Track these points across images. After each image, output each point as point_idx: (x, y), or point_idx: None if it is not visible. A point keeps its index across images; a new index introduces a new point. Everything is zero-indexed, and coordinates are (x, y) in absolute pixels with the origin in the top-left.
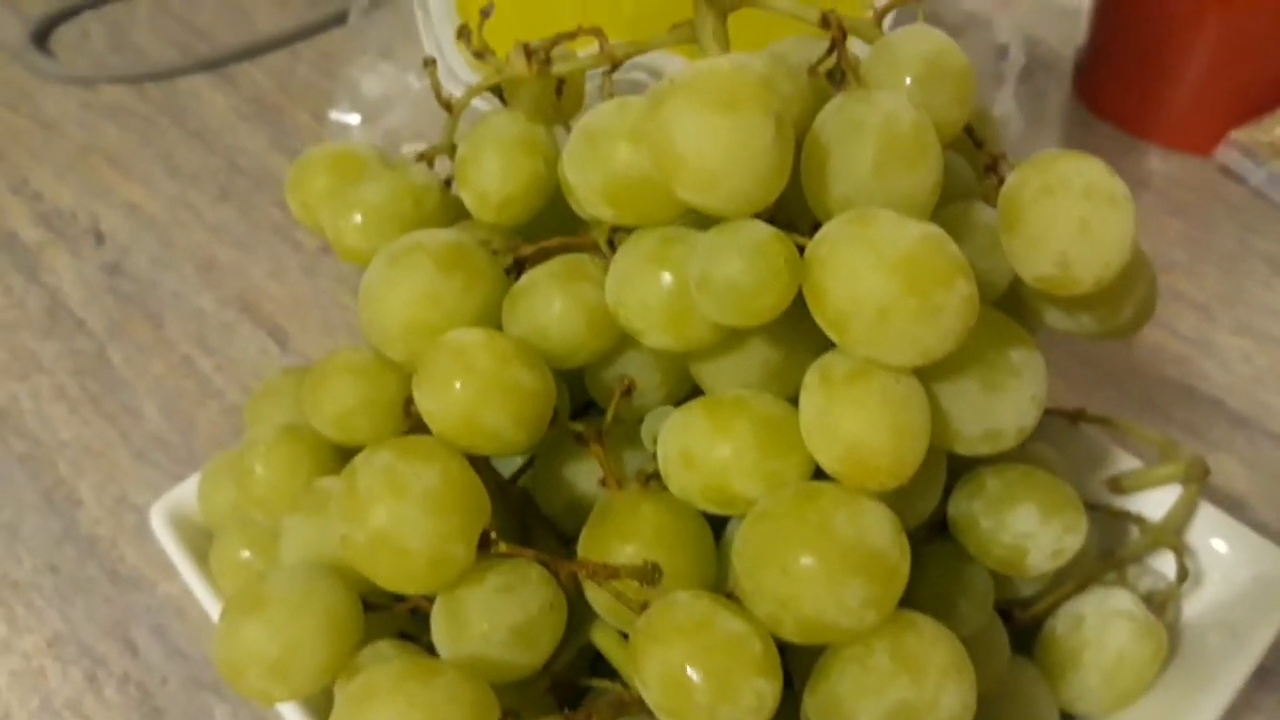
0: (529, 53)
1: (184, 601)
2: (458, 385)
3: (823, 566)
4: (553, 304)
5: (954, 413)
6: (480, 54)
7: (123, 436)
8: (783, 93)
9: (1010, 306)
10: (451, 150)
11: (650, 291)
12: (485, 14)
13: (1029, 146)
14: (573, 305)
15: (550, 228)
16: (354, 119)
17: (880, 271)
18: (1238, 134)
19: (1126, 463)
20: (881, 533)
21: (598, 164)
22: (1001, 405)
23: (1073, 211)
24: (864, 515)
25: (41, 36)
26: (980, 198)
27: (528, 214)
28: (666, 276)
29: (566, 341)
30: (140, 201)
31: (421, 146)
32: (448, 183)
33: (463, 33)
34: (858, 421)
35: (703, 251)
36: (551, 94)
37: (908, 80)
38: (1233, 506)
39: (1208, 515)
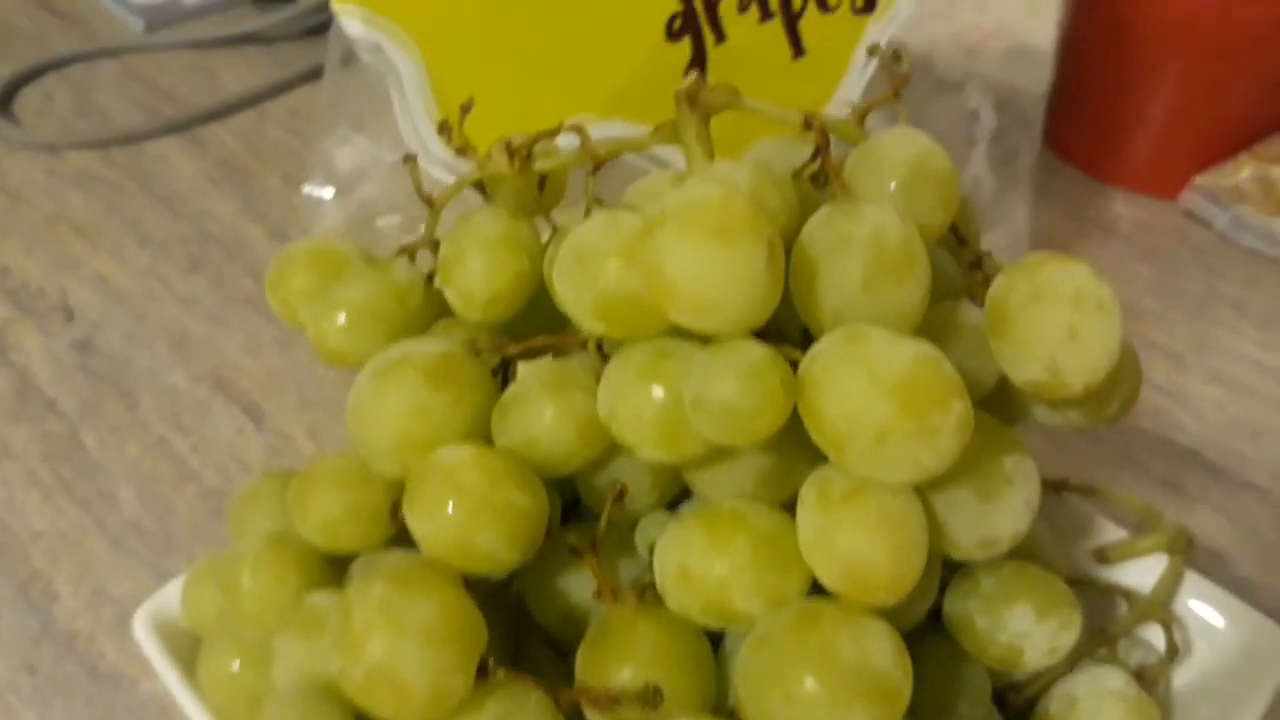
0: (511, 151)
1: (167, 700)
2: (449, 507)
3: (825, 691)
4: (544, 414)
5: (950, 522)
6: (462, 150)
7: (98, 525)
8: (770, 207)
9: (997, 402)
10: (434, 245)
11: (643, 407)
12: (466, 109)
13: (1001, 208)
14: (564, 415)
15: (535, 321)
16: (327, 193)
17: (876, 394)
18: (1202, 179)
19: (1111, 531)
20: (884, 654)
21: (588, 282)
22: (996, 513)
23: (1061, 318)
24: (865, 636)
25: (4, 101)
26: (965, 292)
27: (513, 311)
28: (660, 392)
29: (558, 451)
30: (110, 274)
31: (397, 220)
32: (430, 277)
33: (443, 129)
34: (857, 540)
35: (697, 372)
36: (533, 188)
37: (892, 185)
38: (1213, 561)
39: (1195, 585)
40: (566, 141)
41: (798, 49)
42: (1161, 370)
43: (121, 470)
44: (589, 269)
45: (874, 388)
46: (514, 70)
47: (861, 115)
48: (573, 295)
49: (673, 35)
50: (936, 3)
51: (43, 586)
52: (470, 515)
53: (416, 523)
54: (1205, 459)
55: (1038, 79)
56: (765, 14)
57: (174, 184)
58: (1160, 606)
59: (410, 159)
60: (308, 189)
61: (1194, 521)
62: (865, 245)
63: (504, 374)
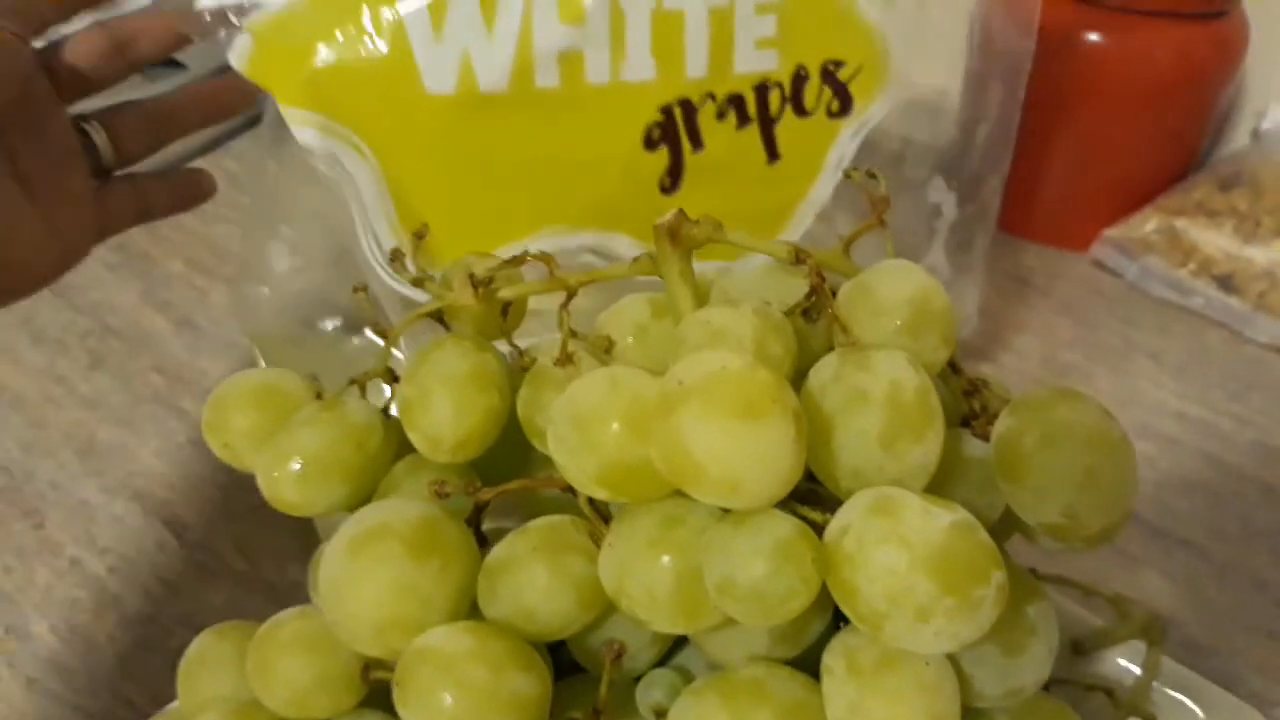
0: (475, 282)
1: None
2: (448, 700)
3: None
4: (538, 581)
5: (977, 677)
6: (418, 282)
7: (10, 666)
8: (774, 355)
9: (1002, 529)
10: (387, 374)
11: (657, 582)
12: (420, 236)
13: (954, 292)
14: (560, 582)
15: (501, 451)
16: (263, 292)
17: (917, 572)
18: (1111, 232)
19: (1080, 616)
20: None
21: (590, 450)
22: (1021, 665)
23: (1078, 463)
24: None
25: None
26: (958, 416)
27: (483, 450)
28: (673, 564)
29: (555, 621)
30: (3, 377)
31: (338, 322)
32: (385, 410)
33: (395, 258)
34: (893, 713)
35: (719, 551)
36: (497, 315)
37: (896, 324)
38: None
39: (1171, 673)
40: (532, 269)
41: (773, 153)
42: None
43: (33, 600)
44: (590, 436)
45: (914, 565)
46: (481, 182)
47: (847, 245)
48: (573, 462)
49: (650, 145)
50: None
51: None
52: (471, 708)
53: (411, 714)
54: (1144, 519)
55: (1001, 163)
56: (743, 120)
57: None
58: (1142, 701)
59: (360, 289)
60: (245, 288)
61: (1140, 584)
62: (882, 402)
63: (477, 519)
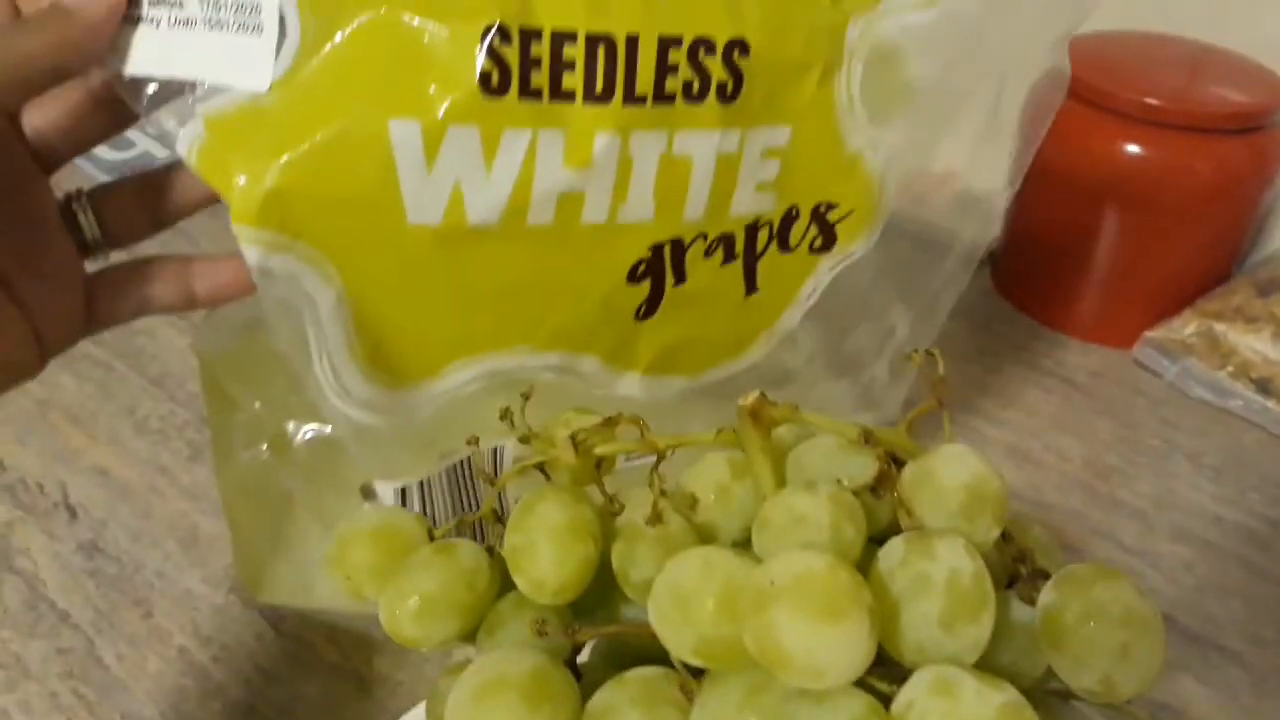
0: (575, 444)
1: None
2: None
3: None
4: None
5: None
6: (525, 439)
7: None
8: (848, 538)
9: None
10: (492, 516)
11: None
12: (527, 396)
13: (889, 392)
14: None
15: (593, 593)
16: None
17: None
18: (1151, 333)
19: None
20: None
21: (688, 626)
22: None
23: (1114, 639)
24: None
25: None
26: (1006, 576)
27: (580, 593)
28: None
29: None
30: (111, 465)
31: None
32: (490, 550)
33: (505, 415)
34: None
35: None
36: (591, 468)
37: (954, 508)
38: None
39: None
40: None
41: (751, 286)
42: (1131, 531)
43: (145, 688)
44: (689, 614)
45: None
46: (455, 306)
47: (909, 425)
48: (673, 635)
49: (634, 279)
50: None
51: None
52: None
53: None
54: (1180, 624)
55: (985, 228)
56: (729, 257)
57: (166, 363)
58: None
59: (472, 441)
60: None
61: (1178, 691)
62: (943, 588)
63: (573, 657)
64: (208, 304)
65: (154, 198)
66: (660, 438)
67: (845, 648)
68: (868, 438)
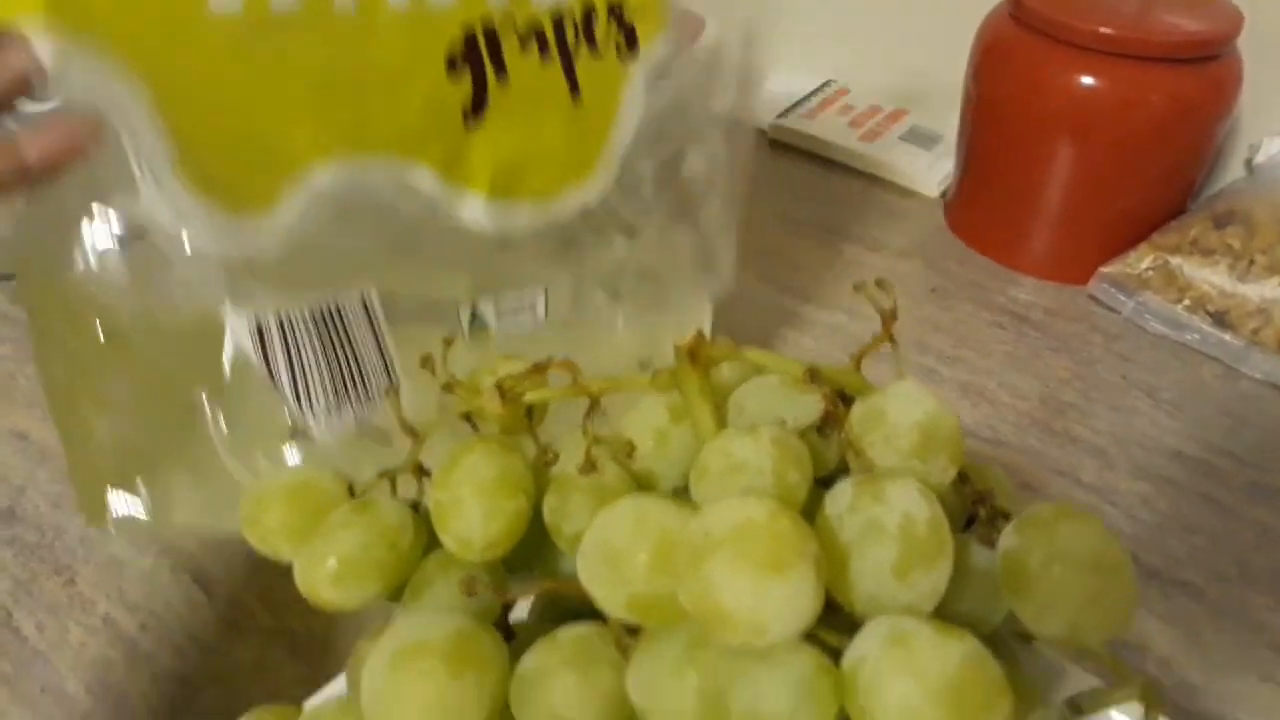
0: (503, 392)
1: None
2: None
3: None
4: (569, 694)
5: None
6: (449, 387)
7: None
8: (792, 482)
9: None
10: (415, 469)
11: (682, 703)
12: (448, 343)
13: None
14: (590, 694)
15: (525, 548)
16: None
17: (930, 704)
18: (1107, 268)
19: (1079, 678)
20: None
21: (620, 584)
22: None
23: (1081, 583)
24: None
25: None
26: (964, 517)
27: (510, 549)
28: (697, 686)
29: None
30: (30, 429)
31: None
32: (414, 505)
33: (425, 362)
34: None
35: (747, 681)
36: (521, 416)
37: (906, 447)
38: (1160, 666)
39: None
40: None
41: (574, 88)
42: (1090, 468)
43: (66, 659)
44: (620, 572)
45: (927, 697)
46: (268, 109)
47: (857, 362)
48: (604, 594)
49: (453, 67)
50: None
51: None
52: None
53: None
54: (1141, 560)
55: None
56: (544, 51)
57: None
58: None
59: (392, 391)
60: None
61: (1138, 628)
62: (896, 534)
63: (504, 615)
64: (44, 171)
65: None
66: (593, 381)
67: (789, 602)
68: (813, 376)
